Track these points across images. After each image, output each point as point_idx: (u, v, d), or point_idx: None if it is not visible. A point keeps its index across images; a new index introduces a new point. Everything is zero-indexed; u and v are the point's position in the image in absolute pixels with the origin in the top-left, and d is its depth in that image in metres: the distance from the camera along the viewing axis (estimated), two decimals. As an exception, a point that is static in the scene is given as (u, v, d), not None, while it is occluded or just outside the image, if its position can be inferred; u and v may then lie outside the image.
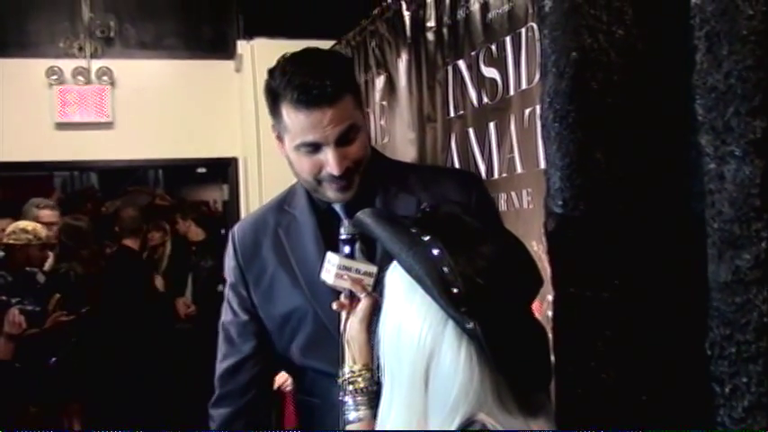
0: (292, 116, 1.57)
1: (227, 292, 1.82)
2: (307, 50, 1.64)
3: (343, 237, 1.55)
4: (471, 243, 1.19)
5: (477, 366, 1.13)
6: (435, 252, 1.16)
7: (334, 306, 1.53)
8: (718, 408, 1.19)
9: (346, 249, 1.54)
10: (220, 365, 1.82)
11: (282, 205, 1.78)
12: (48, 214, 5.11)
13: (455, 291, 1.12)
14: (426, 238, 1.19)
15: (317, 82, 1.53)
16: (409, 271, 1.18)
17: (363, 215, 1.33)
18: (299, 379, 1.81)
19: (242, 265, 1.78)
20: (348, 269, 1.50)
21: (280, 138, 1.66)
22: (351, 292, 1.50)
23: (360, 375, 1.46)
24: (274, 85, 1.58)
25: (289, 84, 1.55)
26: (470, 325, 1.11)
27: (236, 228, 1.84)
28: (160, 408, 5.12)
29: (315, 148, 1.59)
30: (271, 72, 1.61)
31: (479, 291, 1.13)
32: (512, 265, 1.20)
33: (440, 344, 1.14)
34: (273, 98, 1.59)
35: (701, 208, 1.23)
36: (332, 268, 1.50)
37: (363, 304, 1.48)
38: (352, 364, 1.48)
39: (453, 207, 1.31)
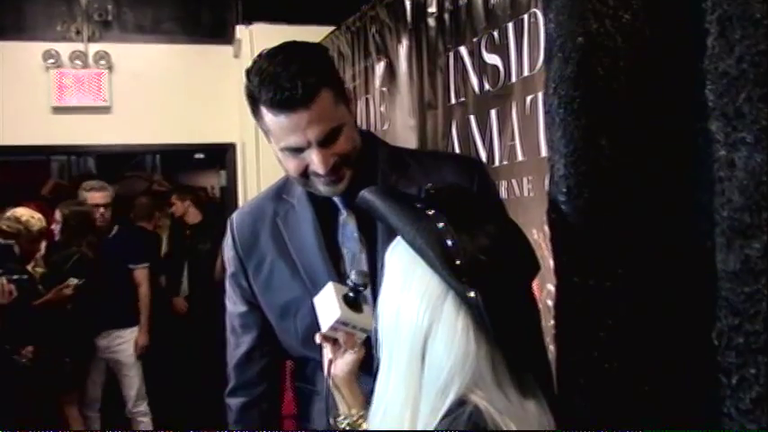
0: (272, 120, 1.53)
1: (228, 283, 1.81)
2: (281, 47, 1.56)
3: (351, 284, 1.48)
4: (474, 221, 1.20)
5: (475, 341, 1.14)
6: (440, 225, 1.17)
7: (317, 339, 1.50)
8: (724, 399, 1.18)
9: (351, 295, 1.48)
10: (230, 357, 1.83)
11: (280, 194, 1.75)
12: (98, 196, 5.19)
13: (458, 262, 1.13)
14: (431, 212, 1.20)
15: (289, 84, 1.47)
16: (412, 244, 1.18)
17: (368, 193, 1.31)
18: (300, 367, 1.80)
19: (241, 255, 1.76)
20: (345, 324, 1.45)
21: (267, 136, 1.63)
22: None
23: (360, 418, 1.45)
24: (252, 87, 1.54)
25: (262, 87, 1.50)
26: (471, 294, 1.11)
27: (234, 217, 1.81)
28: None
29: (299, 149, 1.55)
30: (248, 73, 1.56)
31: (481, 265, 1.14)
32: (512, 246, 1.21)
33: (438, 318, 1.14)
34: (252, 101, 1.55)
35: (709, 196, 1.21)
36: (328, 319, 1.46)
37: (351, 358, 1.47)
38: (347, 410, 1.46)
39: (458, 186, 1.30)
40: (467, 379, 1.13)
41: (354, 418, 1.45)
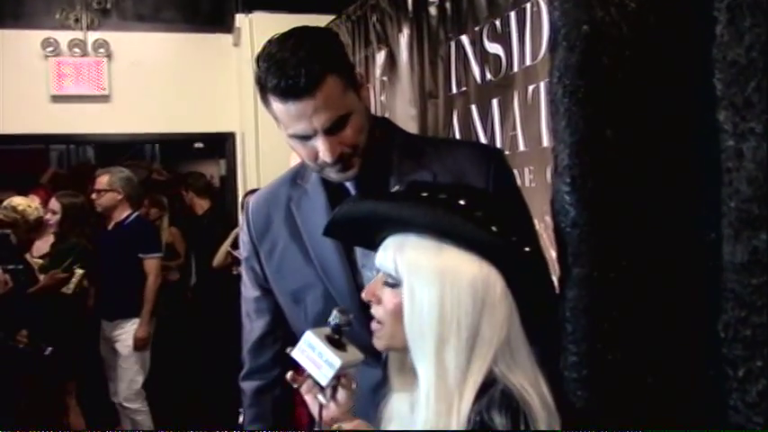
0: (278, 107, 1.51)
1: (243, 267, 1.82)
2: (291, 32, 1.54)
3: (334, 325, 1.39)
4: (483, 201, 1.24)
5: (517, 317, 1.19)
6: (462, 202, 1.20)
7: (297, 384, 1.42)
8: (730, 392, 1.17)
9: (335, 337, 1.39)
10: (245, 341, 1.83)
11: (296, 179, 1.74)
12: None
13: (494, 228, 1.17)
14: (443, 196, 1.21)
15: (294, 72, 1.45)
16: (439, 227, 1.19)
17: (361, 201, 1.31)
18: None
19: (255, 240, 1.76)
20: (343, 368, 1.35)
21: (277, 122, 1.61)
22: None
23: None
24: (260, 73, 1.52)
25: (269, 74, 1.48)
26: (528, 249, 1.18)
27: (250, 201, 1.82)
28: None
29: (306, 137, 1.54)
30: (257, 59, 1.54)
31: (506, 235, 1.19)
32: (522, 224, 1.29)
33: (487, 298, 1.17)
34: (260, 87, 1.54)
35: (716, 187, 1.20)
36: (329, 372, 1.34)
37: (346, 394, 1.38)
38: None
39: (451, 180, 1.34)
40: (506, 356, 1.17)
41: None
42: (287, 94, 1.47)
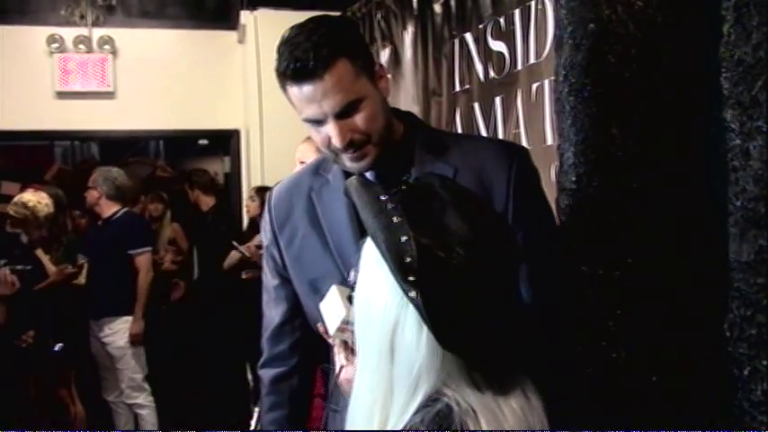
0: (291, 91, 1.53)
1: (264, 256, 1.83)
2: (309, 20, 1.57)
3: (352, 283, 1.46)
4: (442, 217, 1.15)
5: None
6: (395, 220, 1.14)
7: (329, 340, 1.51)
8: (735, 391, 1.17)
9: (353, 294, 1.47)
10: (264, 329, 1.84)
11: (318, 169, 1.75)
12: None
13: (407, 260, 1.09)
14: (391, 206, 1.16)
15: (303, 54, 1.47)
16: (372, 238, 1.16)
17: (350, 182, 1.30)
18: (327, 347, 1.80)
19: (275, 228, 1.77)
20: (351, 324, 1.41)
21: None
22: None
23: None
24: (277, 59, 1.55)
25: (282, 58, 1.51)
26: (413, 294, 1.07)
27: (273, 190, 1.83)
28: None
29: (319, 122, 1.55)
30: (278, 47, 1.57)
31: (437, 263, 1.10)
32: (484, 246, 1.14)
33: (404, 314, 1.11)
34: (277, 74, 1.56)
35: (722, 185, 1.20)
36: (335, 319, 1.45)
37: None
38: None
39: (434, 180, 1.27)
40: (437, 376, 1.10)
41: None
42: (297, 76, 1.48)
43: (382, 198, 1.19)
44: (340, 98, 1.50)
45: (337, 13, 5.00)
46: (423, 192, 1.21)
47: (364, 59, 1.55)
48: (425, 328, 1.09)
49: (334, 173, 1.69)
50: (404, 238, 1.11)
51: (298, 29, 1.53)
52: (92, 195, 4.88)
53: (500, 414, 1.11)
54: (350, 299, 1.44)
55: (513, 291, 1.22)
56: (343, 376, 1.46)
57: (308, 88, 1.49)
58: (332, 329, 1.46)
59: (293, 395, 1.82)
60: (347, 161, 1.58)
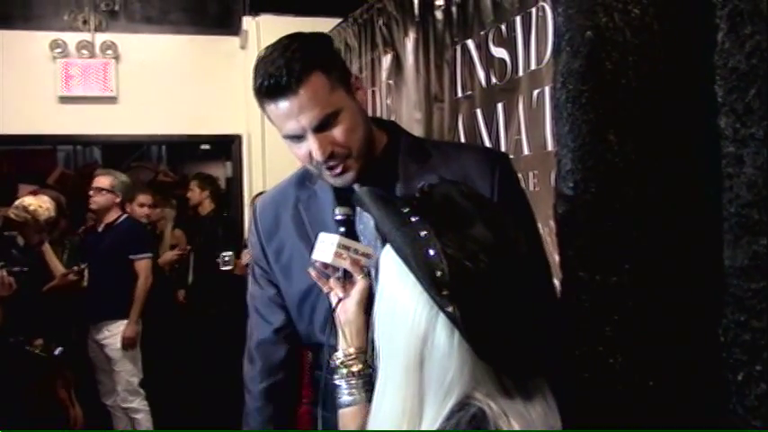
0: (269, 108, 1.55)
1: (252, 267, 1.83)
2: (283, 37, 1.58)
3: (338, 217, 1.57)
4: (463, 226, 1.15)
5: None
6: (422, 233, 1.12)
7: (324, 289, 1.52)
8: (729, 395, 1.17)
9: (341, 229, 1.54)
10: (251, 340, 1.82)
11: (304, 180, 1.76)
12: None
13: (438, 274, 1.08)
14: (415, 218, 1.15)
15: (276, 71, 1.49)
16: (398, 251, 1.15)
17: (362, 193, 1.30)
18: (317, 355, 1.81)
19: (262, 240, 1.77)
20: (347, 248, 1.48)
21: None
22: (343, 274, 1.50)
23: (354, 359, 1.44)
24: (253, 79, 1.56)
25: (257, 77, 1.53)
26: (450, 309, 1.07)
27: (258, 202, 1.83)
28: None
29: (298, 137, 1.56)
30: (254, 66, 1.58)
31: (466, 274, 1.09)
32: (506, 251, 1.14)
33: (434, 325, 1.10)
34: (255, 93, 1.57)
35: (716, 192, 1.20)
36: (330, 247, 1.48)
37: (361, 286, 1.46)
38: (346, 347, 1.46)
39: (450, 188, 1.26)
40: (468, 384, 1.10)
41: (350, 357, 1.45)
42: (272, 93, 1.50)
43: (404, 210, 1.18)
44: (317, 112, 1.51)
45: (338, 20, 5.03)
46: (443, 201, 1.21)
47: (339, 72, 1.56)
48: (456, 338, 1.09)
49: (320, 184, 1.70)
50: (431, 252, 1.10)
51: (272, 47, 1.55)
52: (108, 199, 4.89)
53: (529, 417, 1.11)
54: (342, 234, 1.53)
55: (537, 293, 1.22)
56: (340, 309, 1.47)
57: (284, 104, 1.50)
58: (329, 257, 1.48)
59: (281, 406, 1.81)
60: (330, 177, 1.60)
